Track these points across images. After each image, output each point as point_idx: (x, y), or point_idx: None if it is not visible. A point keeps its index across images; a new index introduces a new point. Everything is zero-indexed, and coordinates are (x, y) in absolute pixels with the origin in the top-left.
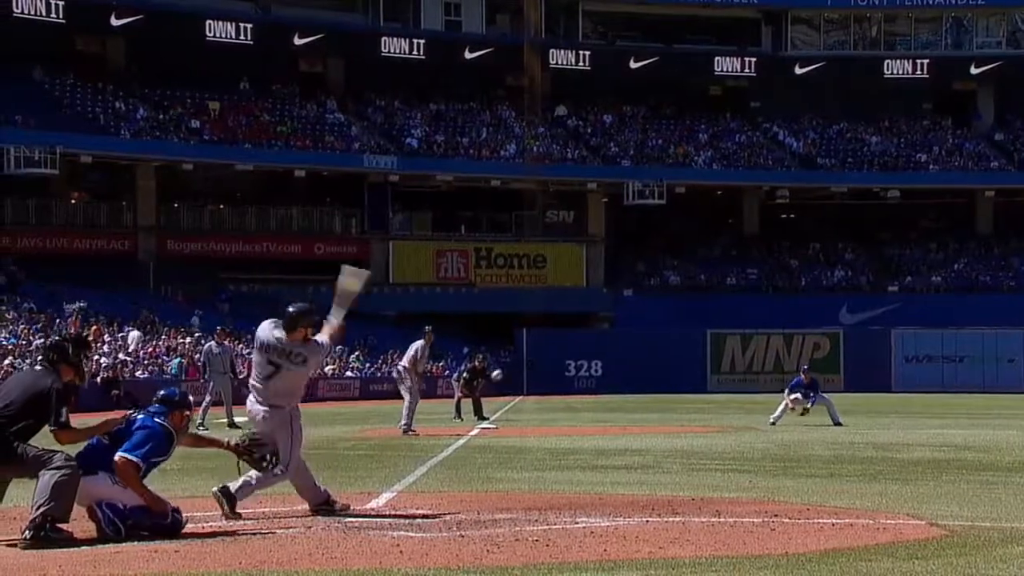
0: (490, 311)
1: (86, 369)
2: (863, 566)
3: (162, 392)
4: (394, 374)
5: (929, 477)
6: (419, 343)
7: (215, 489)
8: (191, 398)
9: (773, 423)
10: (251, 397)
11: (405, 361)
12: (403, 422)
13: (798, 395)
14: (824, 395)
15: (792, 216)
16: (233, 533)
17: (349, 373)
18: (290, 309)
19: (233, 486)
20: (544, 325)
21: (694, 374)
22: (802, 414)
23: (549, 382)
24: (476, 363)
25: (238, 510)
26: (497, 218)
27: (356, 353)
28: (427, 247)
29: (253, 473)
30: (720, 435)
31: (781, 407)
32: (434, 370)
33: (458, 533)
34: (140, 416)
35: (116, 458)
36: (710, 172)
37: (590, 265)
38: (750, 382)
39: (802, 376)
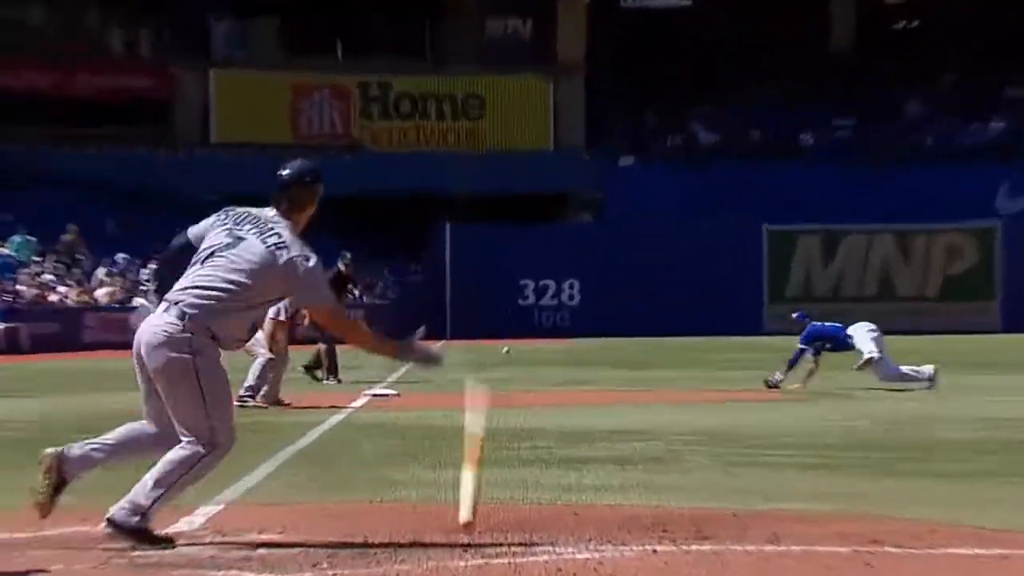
0: (388, 191)
1: None
2: None
3: None
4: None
5: None
6: None
7: None
8: None
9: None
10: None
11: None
12: (246, 385)
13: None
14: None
15: (913, 25)
16: None
17: (138, 301)
18: (284, 171)
19: None
20: (481, 216)
21: (740, 301)
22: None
23: (489, 316)
24: (342, 267)
25: None
26: (400, 31)
27: (151, 266)
28: (276, 80)
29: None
30: (778, 405)
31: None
32: None
33: (329, 573)
34: None
35: None
36: None
37: (561, 113)
38: (837, 314)
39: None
